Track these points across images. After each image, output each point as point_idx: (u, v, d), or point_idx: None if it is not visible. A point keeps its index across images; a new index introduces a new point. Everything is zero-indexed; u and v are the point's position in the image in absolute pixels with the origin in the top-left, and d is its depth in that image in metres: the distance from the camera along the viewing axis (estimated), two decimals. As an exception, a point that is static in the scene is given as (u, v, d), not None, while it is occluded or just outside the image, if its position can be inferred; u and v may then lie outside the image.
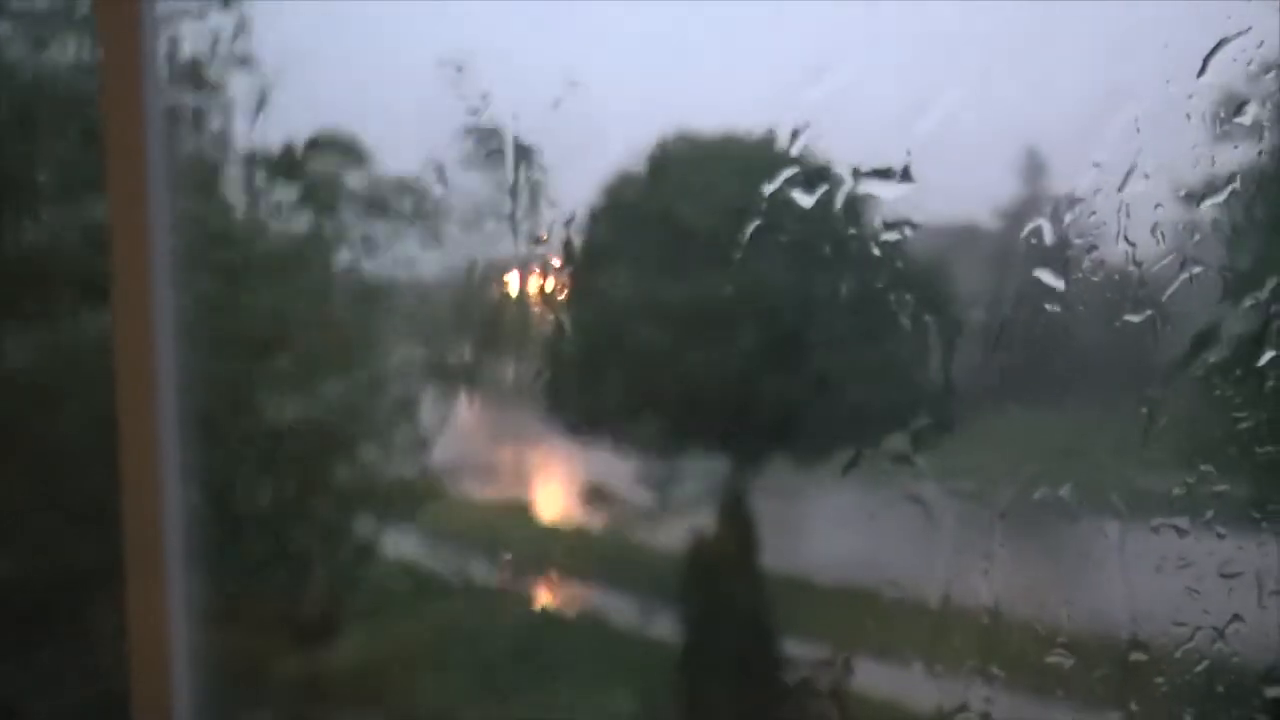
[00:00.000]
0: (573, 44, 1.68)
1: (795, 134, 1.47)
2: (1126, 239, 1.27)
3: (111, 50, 1.80)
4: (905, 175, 1.45)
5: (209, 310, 2.05)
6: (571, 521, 2.50)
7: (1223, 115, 1.20)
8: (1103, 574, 1.32)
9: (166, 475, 1.93)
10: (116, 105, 1.79)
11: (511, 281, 1.97)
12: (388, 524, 2.57)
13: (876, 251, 1.49)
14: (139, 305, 1.90)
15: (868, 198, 1.41)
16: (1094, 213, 1.30)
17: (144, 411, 1.91)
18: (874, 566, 1.49)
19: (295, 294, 2.42)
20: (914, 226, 1.47)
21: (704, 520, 2.24)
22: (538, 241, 1.79)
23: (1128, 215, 1.27)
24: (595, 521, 2.45)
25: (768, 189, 1.51)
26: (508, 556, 2.15)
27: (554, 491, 2.56)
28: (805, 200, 1.53)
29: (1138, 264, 1.27)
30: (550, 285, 1.86)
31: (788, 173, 1.49)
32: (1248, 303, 1.23)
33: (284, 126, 2.25)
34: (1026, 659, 1.32)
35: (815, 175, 1.45)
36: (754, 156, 1.73)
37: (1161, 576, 1.24)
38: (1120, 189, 1.27)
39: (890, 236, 1.47)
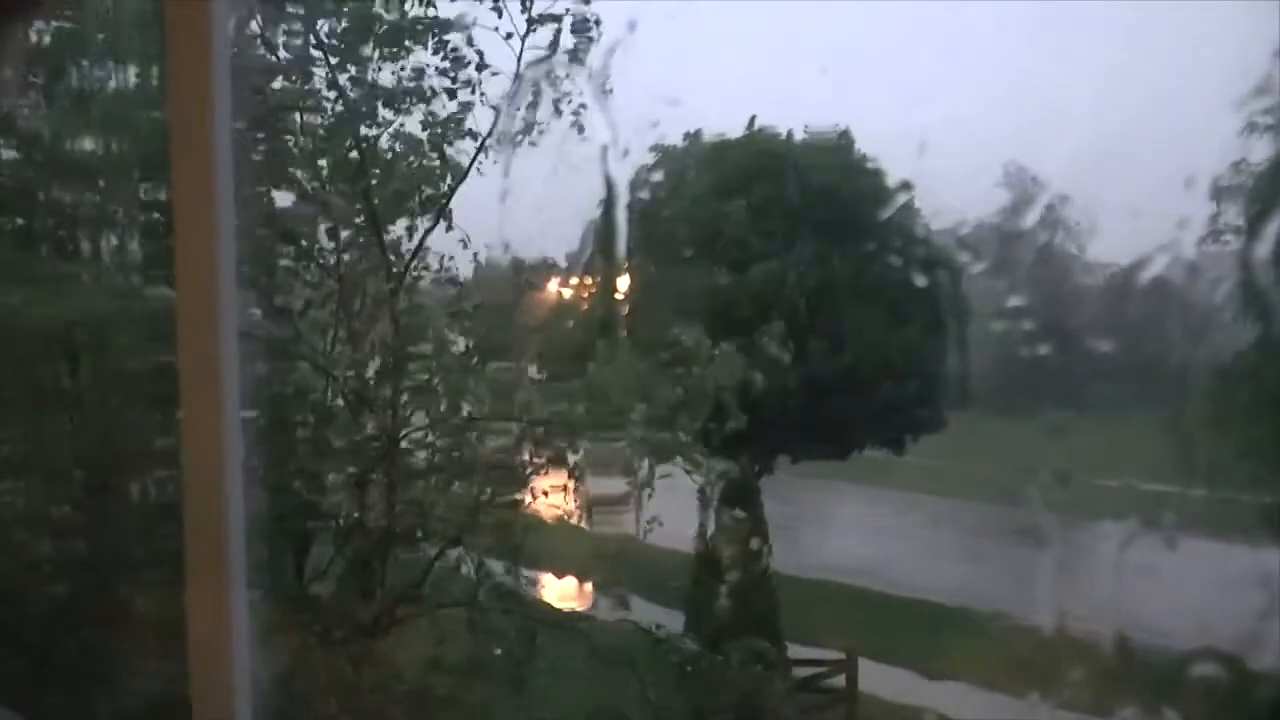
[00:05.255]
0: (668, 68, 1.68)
1: (921, 148, 1.46)
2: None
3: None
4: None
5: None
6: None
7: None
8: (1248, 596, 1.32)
9: (230, 479, 1.93)
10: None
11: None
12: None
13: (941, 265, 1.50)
14: (205, 316, 1.93)
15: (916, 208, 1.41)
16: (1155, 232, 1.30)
17: (210, 415, 1.92)
18: (996, 597, 1.49)
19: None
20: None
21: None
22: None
23: (1179, 230, 1.28)
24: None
25: (883, 214, 1.51)
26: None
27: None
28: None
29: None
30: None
31: (904, 198, 1.49)
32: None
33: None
34: (1169, 680, 1.32)
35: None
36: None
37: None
38: (1167, 204, 1.28)
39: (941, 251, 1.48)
